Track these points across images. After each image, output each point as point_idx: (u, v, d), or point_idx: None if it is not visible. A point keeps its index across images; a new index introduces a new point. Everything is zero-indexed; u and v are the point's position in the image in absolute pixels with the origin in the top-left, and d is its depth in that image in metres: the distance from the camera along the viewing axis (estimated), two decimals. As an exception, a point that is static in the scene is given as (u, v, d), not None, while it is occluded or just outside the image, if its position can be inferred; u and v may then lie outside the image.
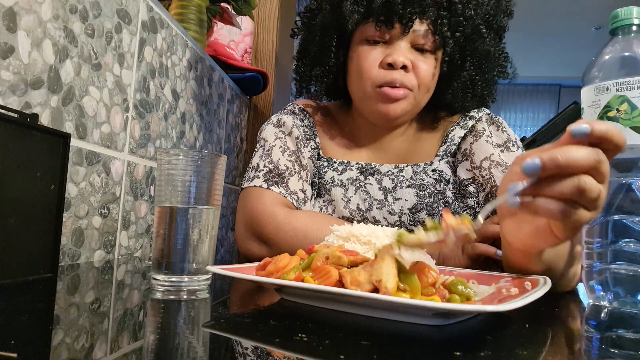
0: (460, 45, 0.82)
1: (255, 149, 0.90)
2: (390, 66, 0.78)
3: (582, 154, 0.40)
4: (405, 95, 0.79)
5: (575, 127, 0.40)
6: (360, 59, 0.81)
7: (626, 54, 0.49)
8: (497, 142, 0.83)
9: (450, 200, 0.81)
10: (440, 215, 0.81)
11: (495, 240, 0.69)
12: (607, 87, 0.49)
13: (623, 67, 0.48)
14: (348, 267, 0.41)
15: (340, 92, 0.93)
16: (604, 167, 0.41)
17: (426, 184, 0.83)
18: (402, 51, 0.78)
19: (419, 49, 0.80)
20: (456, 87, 0.85)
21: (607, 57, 0.50)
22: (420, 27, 0.78)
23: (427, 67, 0.80)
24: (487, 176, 0.79)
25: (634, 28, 0.50)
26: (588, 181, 0.40)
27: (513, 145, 0.82)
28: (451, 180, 0.83)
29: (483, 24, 0.81)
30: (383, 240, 0.53)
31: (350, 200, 0.84)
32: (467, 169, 0.82)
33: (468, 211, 0.79)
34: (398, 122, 0.85)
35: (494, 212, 0.78)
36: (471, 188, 0.81)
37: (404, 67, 0.78)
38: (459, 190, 0.82)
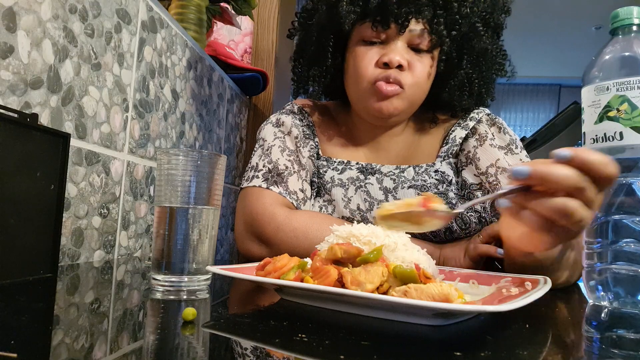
0: (457, 44, 0.82)
1: (254, 149, 0.90)
2: (386, 65, 0.78)
3: (564, 172, 0.41)
4: (398, 92, 0.79)
5: (557, 151, 0.42)
6: (357, 60, 0.81)
7: (626, 53, 0.49)
8: (500, 145, 0.83)
9: (454, 202, 0.81)
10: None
11: (498, 240, 0.69)
12: (608, 87, 0.49)
13: (623, 67, 0.48)
14: (342, 259, 0.42)
15: (338, 91, 0.92)
16: (588, 193, 0.41)
17: (428, 185, 0.82)
18: (398, 50, 0.78)
19: (415, 48, 0.80)
20: (453, 86, 0.85)
21: (607, 57, 0.50)
22: (416, 26, 0.79)
23: (423, 67, 0.80)
24: (494, 182, 0.79)
25: (634, 28, 0.50)
26: (572, 204, 0.41)
27: (516, 147, 0.82)
28: (453, 181, 0.83)
29: (480, 22, 0.81)
30: (383, 240, 0.53)
31: (350, 200, 0.84)
32: (474, 174, 0.81)
33: (473, 214, 0.78)
34: (394, 121, 0.85)
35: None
36: (478, 194, 0.81)
37: (400, 67, 0.78)
38: (462, 193, 0.82)
